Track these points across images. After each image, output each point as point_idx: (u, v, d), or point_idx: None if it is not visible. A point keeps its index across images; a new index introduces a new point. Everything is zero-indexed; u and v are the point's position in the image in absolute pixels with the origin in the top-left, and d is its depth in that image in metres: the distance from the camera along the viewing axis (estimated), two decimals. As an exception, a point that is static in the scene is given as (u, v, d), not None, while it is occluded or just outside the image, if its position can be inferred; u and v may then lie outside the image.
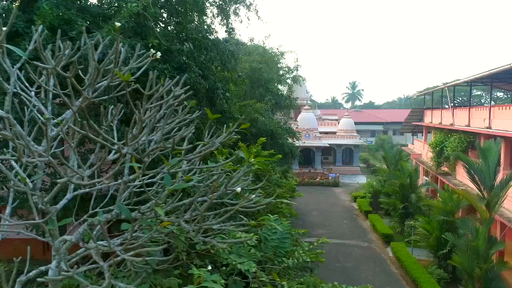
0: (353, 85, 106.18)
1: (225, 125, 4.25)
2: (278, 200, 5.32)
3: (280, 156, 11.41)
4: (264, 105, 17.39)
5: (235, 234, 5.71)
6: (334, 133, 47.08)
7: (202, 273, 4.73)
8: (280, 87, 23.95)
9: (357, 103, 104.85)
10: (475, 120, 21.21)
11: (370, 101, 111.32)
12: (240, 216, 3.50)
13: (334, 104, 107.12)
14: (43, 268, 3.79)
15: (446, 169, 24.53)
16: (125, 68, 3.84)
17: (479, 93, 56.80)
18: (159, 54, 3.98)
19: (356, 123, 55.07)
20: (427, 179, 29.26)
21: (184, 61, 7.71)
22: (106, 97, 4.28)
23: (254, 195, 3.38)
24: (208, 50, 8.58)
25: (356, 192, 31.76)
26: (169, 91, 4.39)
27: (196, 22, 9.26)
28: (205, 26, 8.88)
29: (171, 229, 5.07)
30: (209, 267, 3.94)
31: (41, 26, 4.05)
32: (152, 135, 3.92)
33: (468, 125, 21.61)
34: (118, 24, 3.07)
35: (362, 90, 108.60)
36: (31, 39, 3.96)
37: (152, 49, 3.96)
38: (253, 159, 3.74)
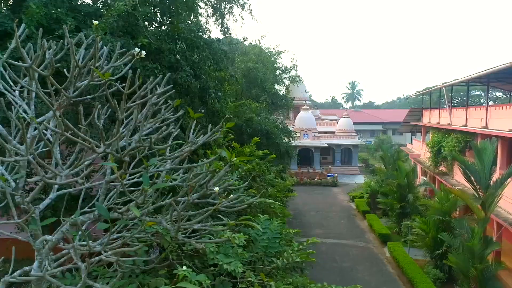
0: (353, 85, 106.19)
1: (210, 125, 4.22)
2: (261, 199, 5.27)
3: (274, 156, 11.38)
4: (260, 105, 17.36)
5: (222, 234, 5.70)
6: (333, 133, 47.05)
7: (187, 273, 4.71)
8: (277, 86, 23.93)
9: (357, 103, 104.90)
10: (472, 120, 21.19)
11: (369, 101, 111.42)
12: (219, 216, 3.47)
13: (333, 104, 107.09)
14: (27, 268, 3.78)
15: (443, 169, 24.50)
16: (107, 66, 3.81)
17: (478, 93, 56.72)
18: (143, 53, 3.94)
19: (355, 123, 55.02)
20: (425, 179, 29.23)
21: (175, 61, 7.70)
22: (89, 96, 4.26)
23: (233, 195, 3.35)
24: (200, 50, 8.56)
25: (354, 192, 31.73)
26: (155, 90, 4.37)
27: (189, 22, 9.24)
28: (197, 25, 8.86)
29: (156, 229, 5.04)
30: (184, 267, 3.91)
31: (23, 25, 4.03)
32: (136, 136, 3.89)
33: (466, 125, 21.58)
34: (95, 22, 3.04)
35: (362, 90, 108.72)
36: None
37: (137, 48, 3.93)
38: (234, 158, 3.72)
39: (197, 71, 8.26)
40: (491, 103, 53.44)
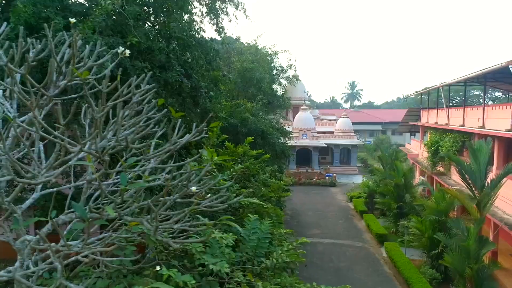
0: (352, 85, 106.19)
1: (194, 124, 4.19)
2: (244, 199, 5.25)
3: (268, 155, 11.35)
4: (255, 104, 17.34)
5: (209, 234, 5.67)
6: (332, 133, 47.03)
7: (171, 274, 4.69)
8: (273, 86, 23.86)
9: (356, 103, 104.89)
10: (469, 119, 21.17)
11: (369, 101, 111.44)
12: (198, 216, 3.46)
13: (333, 104, 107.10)
14: (10, 268, 3.75)
15: (441, 169, 24.50)
16: (88, 65, 3.78)
17: (477, 93, 56.70)
18: (127, 51, 3.92)
19: (354, 123, 54.91)
20: (423, 179, 29.22)
21: (166, 60, 7.67)
22: (73, 96, 4.23)
23: (210, 194, 3.32)
24: (192, 49, 8.54)
25: (352, 192, 31.71)
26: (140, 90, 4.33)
27: (182, 21, 9.21)
28: (190, 25, 8.83)
29: (142, 229, 5.02)
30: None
31: (4, 24, 4.01)
32: (121, 135, 3.86)
33: (463, 125, 21.57)
34: (72, 20, 3.01)
35: (361, 90, 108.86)
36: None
37: (121, 47, 3.90)
38: (216, 158, 3.69)
39: (188, 70, 8.24)
40: (490, 103, 53.51)
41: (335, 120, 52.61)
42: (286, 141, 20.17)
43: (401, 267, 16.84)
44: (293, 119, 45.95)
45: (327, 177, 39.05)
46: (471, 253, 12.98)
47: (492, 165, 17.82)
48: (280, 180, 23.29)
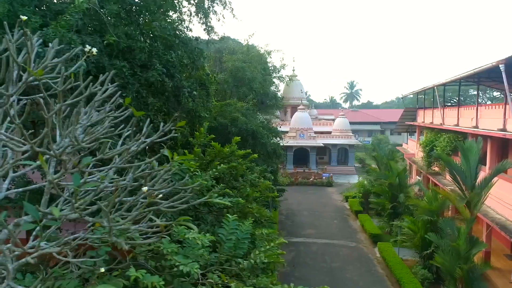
0: (351, 85, 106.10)
1: (161, 124, 4.15)
2: (209, 199, 5.20)
3: (255, 155, 11.31)
4: (246, 104, 17.29)
5: (183, 234, 5.63)
6: (330, 132, 46.97)
7: (139, 275, 4.64)
8: (266, 86, 23.74)
9: (355, 103, 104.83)
10: (463, 119, 21.12)
11: (368, 101, 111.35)
12: (151, 217, 3.42)
13: (332, 104, 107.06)
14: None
15: (436, 168, 24.43)
16: (47, 63, 3.74)
17: (475, 92, 56.57)
18: (94, 50, 3.87)
19: (353, 123, 54.78)
20: (419, 178, 29.18)
21: (147, 59, 7.61)
22: (38, 95, 4.19)
23: (160, 195, 3.28)
24: (175, 48, 8.50)
25: (348, 192, 31.65)
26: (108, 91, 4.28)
27: (166, 20, 9.18)
28: (173, 24, 8.78)
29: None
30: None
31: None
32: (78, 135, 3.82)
33: (457, 125, 21.51)
34: (24, 17, 2.97)
35: (360, 90, 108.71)
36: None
37: (88, 46, 3.85)
38: (177, 157, 3.66)
39: (171, 69, 8.19)
40: (488, 102, 53.32)
41: (333, 120, 52.55)
42: (278, 140, 20.11)
43: (393, 267, 16.81)
44: (291, 119, 45.94)
45: (323, 177, 38.98)
46: (461, 253, 12.93)
47: (485, 165, 17.78)
48: (275, 180, 23.28)
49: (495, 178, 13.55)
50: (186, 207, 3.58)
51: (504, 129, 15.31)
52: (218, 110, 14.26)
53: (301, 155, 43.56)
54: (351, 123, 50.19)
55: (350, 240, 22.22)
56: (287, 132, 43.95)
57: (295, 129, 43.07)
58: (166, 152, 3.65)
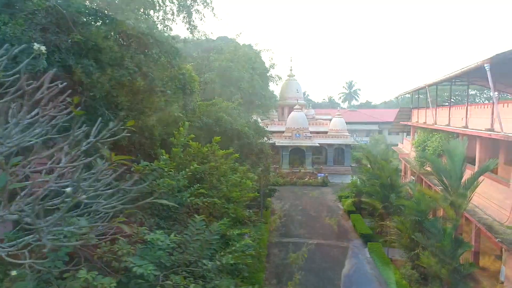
0: (350, 85, 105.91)
1: (111, 123, 4.10)
2: (155, 200, 5.13)
3: (237, 155, 11.27)
4: (231, 104, 17.23)
5: (142, 235, 5.58)
6: (326, 132, 46.85)
7: (89, 277, 4.60)
8: (255, 85, 23.63)
9: (354, 102, 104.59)
10: (454, 119, 21.06)
11: (367, 100, 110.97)
12: (78, 218, 3.38)
13: (331, 104, 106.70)
14: None
15: (429, 168, 24.33)
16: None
17: (473, 92, 56.47)
18: (43, 48, 3.83)
19: (351, 123, 54.57)
20: (414, 178, 29.09)
21: (118, 58, 7.57)
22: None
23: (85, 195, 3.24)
24: (149, 47, 8.47)
25: (342, 192, 31.57)
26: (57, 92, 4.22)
27: (147, 18, 9.15)
28: (147, 23, 8.76)
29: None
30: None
31: None
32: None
33: (448, 125, 21.45)
34: None
35: (359, 89, 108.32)
36: None
37: (36, 44, 3.80)
38: (114, 157, 3.61)
39: (144, 69, 8.16)
40: (487, 102, 53.05)
41: (329, 120, 52.46)
42: (266, 140, 20.03)
43: (382, 267, 16.76)
44: (286, 119, 45.86)
45: (319, 177, 38.87)
46: (446, 254, 12.88)
47: (475, 165, 17.70)
48: (266, 180, 23.14)
49: (482, 178, 13.48)
50: (133, 207, 3.56)
51: (491, 129, 15.24)
52: (203, 110, 14.22)
53: (297, 155, 43.48)
54: (349, 123, 50.04)
55: (342, 240, 22.17)
56: (283, 132, 43.87)
57: (291, 129, 43.01)
58: (104, 151, 3.60)
